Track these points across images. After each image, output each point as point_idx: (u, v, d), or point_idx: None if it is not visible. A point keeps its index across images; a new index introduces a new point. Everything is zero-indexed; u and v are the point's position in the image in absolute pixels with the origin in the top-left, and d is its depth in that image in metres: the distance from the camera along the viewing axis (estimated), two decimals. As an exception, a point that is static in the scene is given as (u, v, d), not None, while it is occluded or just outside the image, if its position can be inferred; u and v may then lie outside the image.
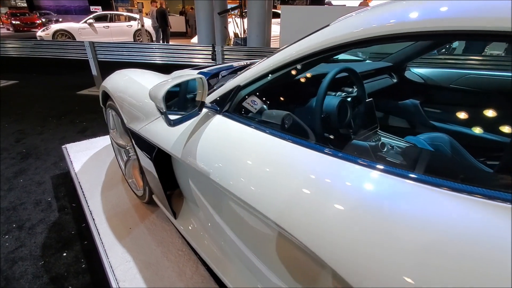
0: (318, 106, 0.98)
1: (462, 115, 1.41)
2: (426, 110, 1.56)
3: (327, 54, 0.77)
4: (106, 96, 1.65)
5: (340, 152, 0.66)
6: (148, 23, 9.68)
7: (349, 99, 1.12)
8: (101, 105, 1.79)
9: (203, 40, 5.39)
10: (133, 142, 1.37)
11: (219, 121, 0.95)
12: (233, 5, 6.33)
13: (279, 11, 5.81)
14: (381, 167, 0.57)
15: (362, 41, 0.65)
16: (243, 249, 0.90)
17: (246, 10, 5.56)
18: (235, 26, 6.23)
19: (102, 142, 2.53)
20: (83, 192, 1.85)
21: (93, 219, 1.62)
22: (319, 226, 0.58)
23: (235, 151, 0.82)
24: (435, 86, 1.75)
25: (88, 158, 2.24)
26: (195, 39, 7.94)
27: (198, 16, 5.32)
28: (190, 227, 1.20)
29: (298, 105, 1.11)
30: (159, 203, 1.39)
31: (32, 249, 1.69)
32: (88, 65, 4.85)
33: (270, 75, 0.89)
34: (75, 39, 9.12)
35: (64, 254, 1.65)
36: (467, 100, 1.61)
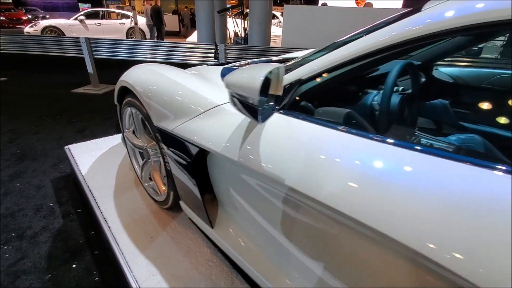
0: (385, 103, 0.89)
1: (495, 116, 1.36)
2: (456, 110, 1.50)
3: (406, 47, 0.68)
4: (124, 92, 1.51)
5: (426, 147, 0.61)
6: (142, 21, 9.44)
7: (404, 95, 1.04)
8: (116, 102, 1.64)
9: (203, 38, 5.26)
10: (161, 143, 1.25)
11: (279, 119, 0.84)
12: (232, 5, 6.23)
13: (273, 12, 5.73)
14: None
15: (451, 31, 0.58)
16: (309, 263, 0.79)
17: (247, 10, 5.47)
18: (235, 25, 6.12)
19: (108, 143, 2.36)
20: (93, 197, 1.70)
21: (109, 227, 1.47)
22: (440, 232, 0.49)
23: (315, 154, 0.71)
24: (466, 86, 1.69)
25: (94, 160, 2.08)
26: (190, 38, 7.79)
27: (198, 15, 5.18)
28: (229, 237, 1.08)
29: (354, 102, 1.02)
30: (189, 210, 1.26)
31: (36, 260, 1.53)
32: (82, 63, 4.62)
33: (335, 70, 0.80)
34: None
35: (74, 265, 1.49)
36: (500, 101, 1.55)
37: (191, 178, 1.08)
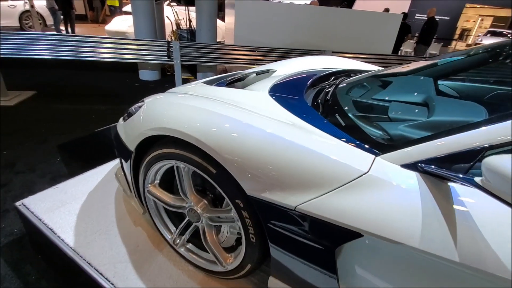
0: None
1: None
2: None
3: None
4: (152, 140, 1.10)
5: None
6: (40, 3, 7.54)
7: None
8: (133, 149, 1.18)
9: (142, 32, 4.48)
10: (244, 211, 0.94)
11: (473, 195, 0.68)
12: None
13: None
14: None
15: None
16: None
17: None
18: (175, 14, 5.44)
19: (78, 186, 1.76)
20: (105, 278, 1.22)
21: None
22: None
23: None
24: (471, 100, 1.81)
25: (76, 220, 1.51)
26: (110, 26, 6.62)
27: (134, 3, 4.36)
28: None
29: None
30: None
31: None
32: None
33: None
34: None
35: None
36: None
37: (320, 268, 0.83)
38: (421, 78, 1.56)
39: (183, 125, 0.98)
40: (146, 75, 4.90)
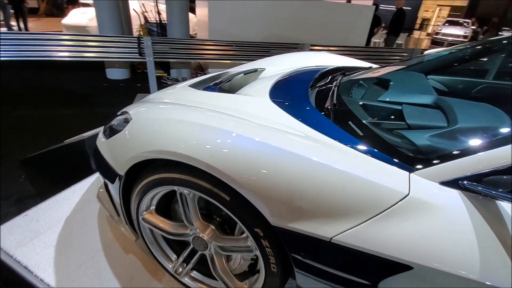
0: None
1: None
2: None
3: None
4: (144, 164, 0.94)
5: None
6: (-18, -6, 6.66)
7: None
8: (122, 173, 1.01)
9: (107, 27, 4.09)
10: (264, 240, 0.83)
11: None
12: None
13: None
14: None
15: None
16: None
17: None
18: (142, 7, 5.06)
19: (52, 211, 1.54)
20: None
21: None
22: None
23: None
24: (459, 95, 1.83)
25: (54, 253, 1.31)
26: (67, 20, 6.03)
27: (97, -6, 3.95)
28: None
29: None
30: None
31: None
32: None
33: None
34: None
35: None
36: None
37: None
38: (419, 75, 1.53)
39: (189, 148, 0.83)
40: (114, 73, 4.52)
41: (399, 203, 0.69)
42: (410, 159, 0.79)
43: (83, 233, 1.42)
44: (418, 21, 19.64)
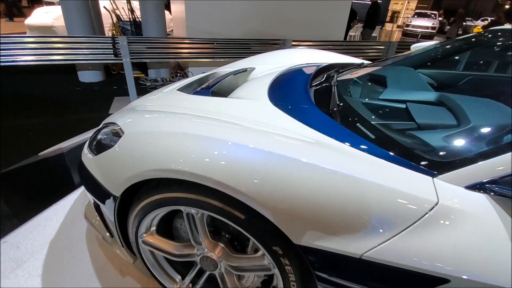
0: None
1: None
2: None
3: None
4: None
5: None
6: None
7: None
8: (118, 194, 0.91)
9: (76, 26, 3.81)
10: (284, 258, 0.77)
11: None
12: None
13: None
14: None
15: None
16: None
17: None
18: (112, 4, 4.78)
19: (34, 235, 1.39)
20: None
21: None
22: None
23: None
24: (446, 87, 1.86)
25: (41, 283, 1.17)
26: (31, 20, 5.60)
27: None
28: None
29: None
30: None
31: None
32: None
33: None
34: None
35: None
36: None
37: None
38: (410, 69, 1.53)
39: (195, 165, 0.75)
40: (87, 76, 4.25)
41: (430, 212, 0.65)
42: (431, 162, 0.76)
43: (71, 257, 1.29)
44: (389, 13, 20.26)
